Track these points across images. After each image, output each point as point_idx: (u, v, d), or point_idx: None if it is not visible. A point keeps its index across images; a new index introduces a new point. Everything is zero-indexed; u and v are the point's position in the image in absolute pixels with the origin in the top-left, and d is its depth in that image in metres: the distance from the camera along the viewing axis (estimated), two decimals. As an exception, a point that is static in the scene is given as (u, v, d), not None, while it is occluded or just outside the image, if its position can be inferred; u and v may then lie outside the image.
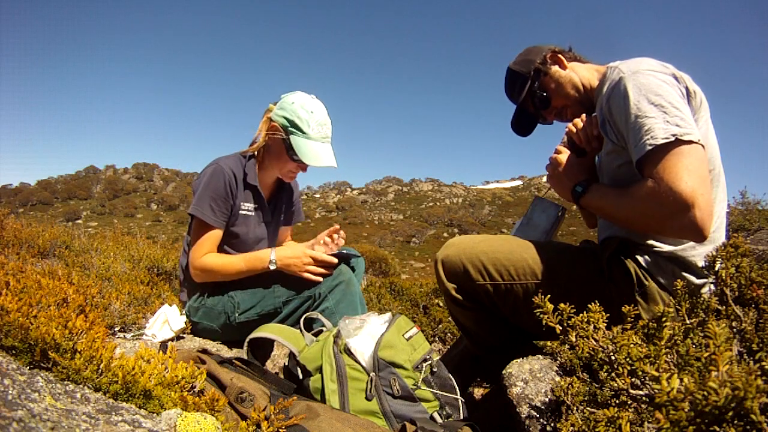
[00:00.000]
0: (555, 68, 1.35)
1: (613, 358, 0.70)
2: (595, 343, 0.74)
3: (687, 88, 1.09)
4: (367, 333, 1.20)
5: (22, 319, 0.74)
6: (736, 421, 0.45)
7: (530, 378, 1.06)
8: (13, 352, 0.73)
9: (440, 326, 2.71)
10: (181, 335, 1.57)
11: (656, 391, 0.51)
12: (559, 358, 1.13)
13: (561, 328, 0.79)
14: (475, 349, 1.46)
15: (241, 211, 1.62)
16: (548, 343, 1.21)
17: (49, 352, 0.73)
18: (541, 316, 0.81)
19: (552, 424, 0.94)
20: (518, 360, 1.14)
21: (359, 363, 1.13)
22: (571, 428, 0.76)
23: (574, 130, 1.28)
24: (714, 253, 0.85)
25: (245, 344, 1.28)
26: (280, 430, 0.80)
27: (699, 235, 0.96)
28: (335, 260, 1.56)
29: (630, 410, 0.67)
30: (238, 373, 1.02)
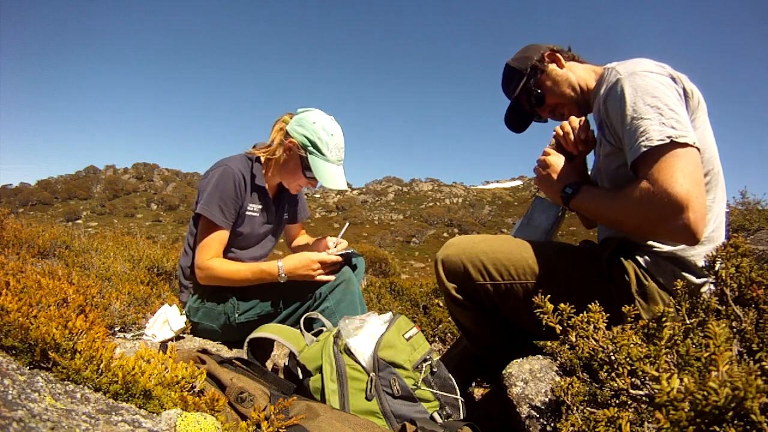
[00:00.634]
0: (552, 66, 1.35)
1: (613, 358, 0.70)
2: (595, 343, 0.74)
3: (684, 89, 1.09)
4: (367, 333, 1.20)
5: (22, 319, 0.74)
6: (736, 421, 0.45)
7: (530, 378, 1.06)
8: (13, 352, 0.73)
9: (440, 326, 2.71)
10: (181, 335, 1.58)
11: (656, 391, 0.51)
12: (559, 358, 1.13)
13: (561, 328, 0.79)
14: (475, 349, 1.46)
15: (247, 212, 1.64)
16: (548, 343, 1.21)
17: (49, 352, 0.73)
18: (541, 316, 0.81)
19: (552, 424, 0.94)
20: (518, 360, 1.14)
21: (359, 363, 1.13)
22: (571, 428, 0.76)
23: (561, 133, 1.29)
24: (714, 253, 0.85)
25: (245, 344, 1.28)
26: (280, 430, 0.80)
27: (692, 238, 0.96)
28: (340, 259, 1.58)
29: (630, 410, 0.67)
30: (238, 373, 1.02)
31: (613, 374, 0.68)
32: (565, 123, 1.29)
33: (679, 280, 0.87)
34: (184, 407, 0.76)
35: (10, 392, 0.59)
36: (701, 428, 0.46)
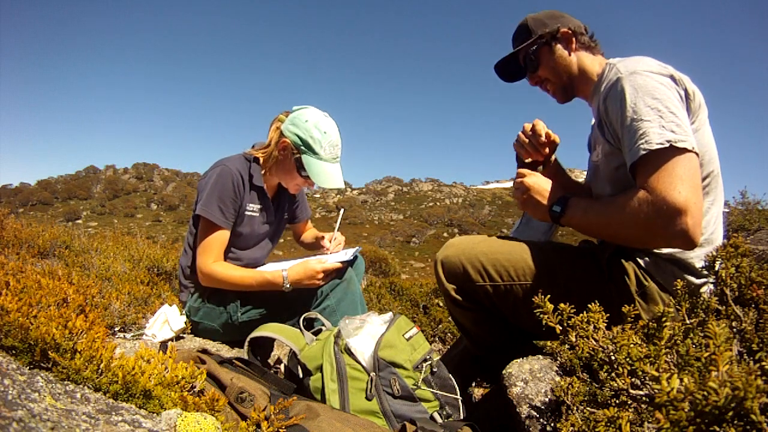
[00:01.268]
0: (560, 47, 1.32)
1: (613, 358, 0.70)
2: (595, 343, 0.74)
3: (686, 90, 1.07)
4: (367, 333, 1.20)
5: (22, 319, 0.74)
6: (736, 421, 0.45)
7: (530, 378, 1.06)
8: (13, 352, 0.73)
9: (440, 326, 2.71)
10: (181, 335, 1.58)
11: (656, 391, 0.51)
12: (559, 358, 1.13)
13: (561, 328, 0.79)
14: (475, 349, 1.46)
15: (246, 212, 1.64)
16: (548, 343, 1.21)
17: (49, 352, 0.73)
18: (541, 316, 0.81)
19: (552, 424, 0.94)
20: (518, 360, 1.14)
21: (359, 363, 1.13)
22: (571, 428, 0.76)
23: (521, 145, 1.33)
24: (714, 253, 0.85)
25: (246, 343, 1.28)
26: (280, 430, 0.80)
27: (689, 243, 0.96)
28: (341, 266, 1.57)
29: (630, 410, 0.67)
30: (238, 373, 1.02)
31: (613, 374, 0.68)
32: (521, 134, 1.33)
33: (679, 281, 0.86)
34: (184, 407, 0.76)
35: (10, 392, 0.59)
36: (701, 428, 0.46)
